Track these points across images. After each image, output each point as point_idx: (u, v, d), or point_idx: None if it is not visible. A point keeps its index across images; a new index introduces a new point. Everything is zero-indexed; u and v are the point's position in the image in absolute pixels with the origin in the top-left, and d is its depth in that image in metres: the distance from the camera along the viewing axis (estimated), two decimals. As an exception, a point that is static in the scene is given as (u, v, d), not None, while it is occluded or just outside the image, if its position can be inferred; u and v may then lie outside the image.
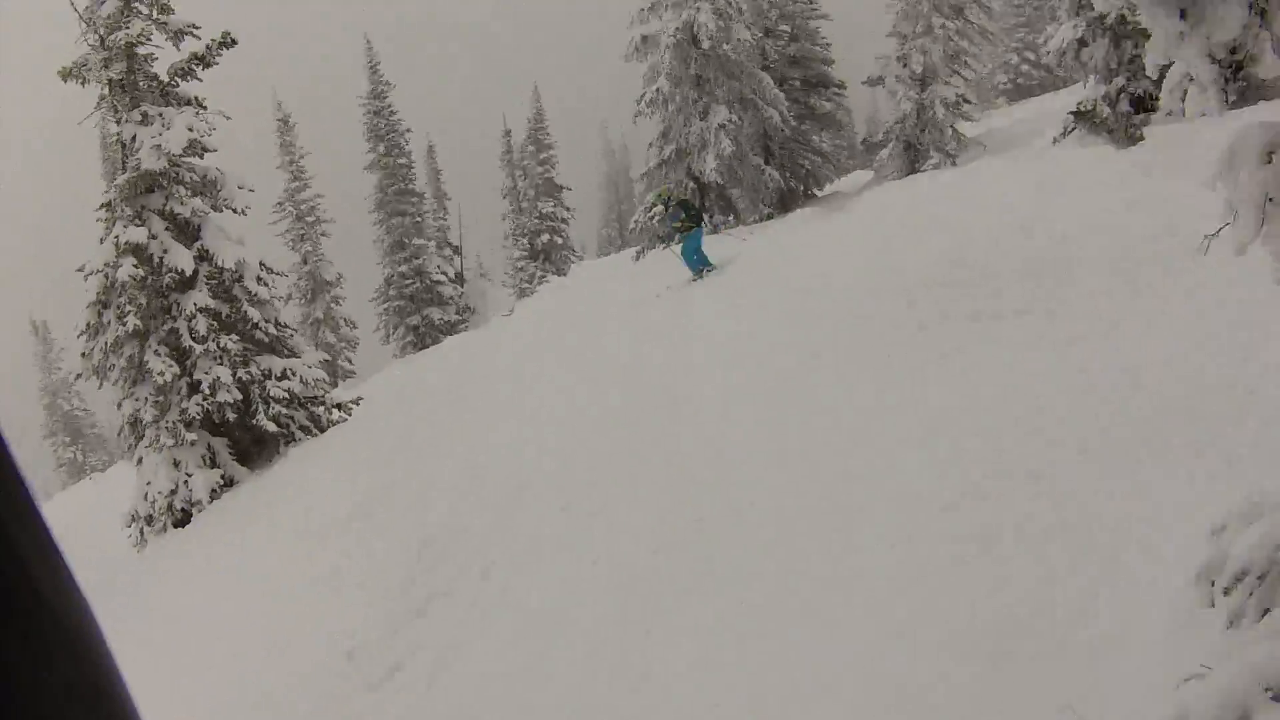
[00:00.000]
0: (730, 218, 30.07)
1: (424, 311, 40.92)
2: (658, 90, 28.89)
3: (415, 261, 40.72)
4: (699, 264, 18.80)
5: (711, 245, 20.15)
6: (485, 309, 43.29)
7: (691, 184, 29.56)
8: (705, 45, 28.00)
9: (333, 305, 42.23)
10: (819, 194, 34.33)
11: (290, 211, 41.88)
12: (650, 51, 29.36)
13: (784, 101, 29.27)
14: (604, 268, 33.79)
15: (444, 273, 41.31)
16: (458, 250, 46.16)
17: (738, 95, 29.55)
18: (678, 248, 19.44)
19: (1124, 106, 19.19)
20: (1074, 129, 19.91)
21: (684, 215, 19.41)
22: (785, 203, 32.54)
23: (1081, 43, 19.79)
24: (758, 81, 28.99)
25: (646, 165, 30.81)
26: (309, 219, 42.01)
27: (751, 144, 31.65)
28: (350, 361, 43.13)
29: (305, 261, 41.60)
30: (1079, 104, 20.26)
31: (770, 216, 29.71)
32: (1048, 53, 21.68)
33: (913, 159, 26.42)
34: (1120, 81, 19.28)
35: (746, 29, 29.09)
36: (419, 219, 41.31)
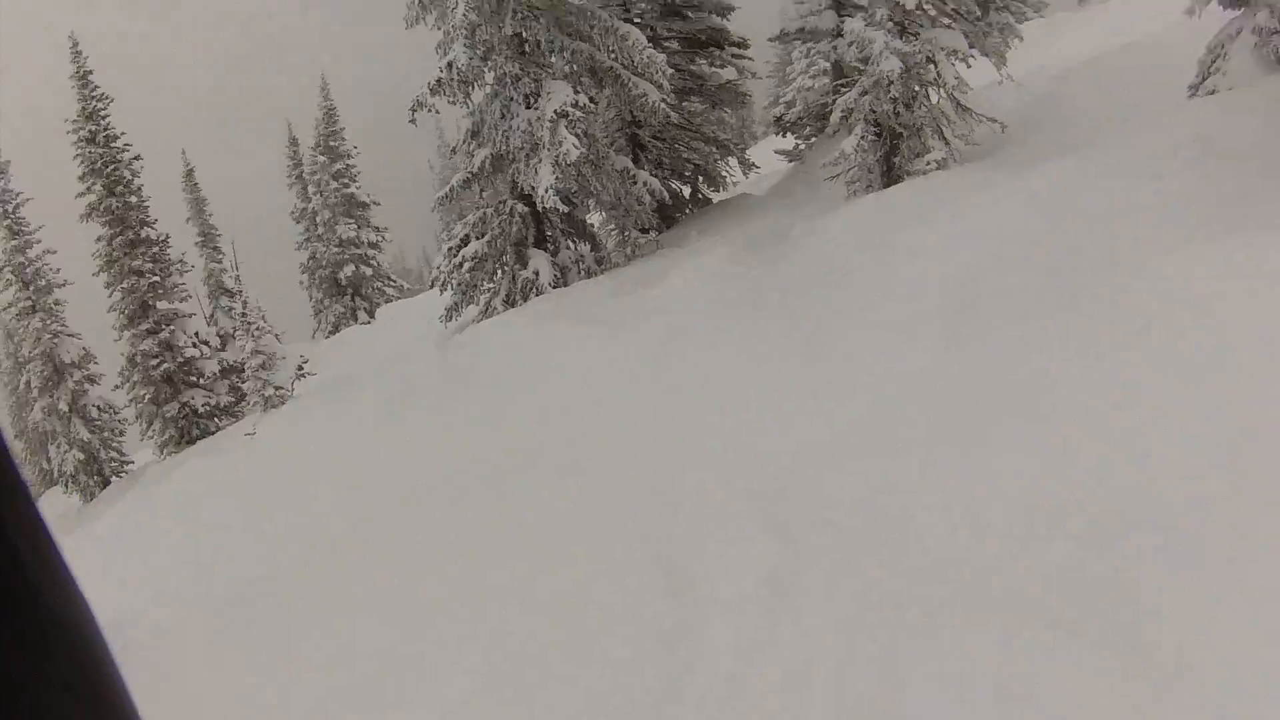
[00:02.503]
0: (585, 250, 19.36)
1: (182, 397, 29.41)
2: (450, 66, 17.98)
3: (161, 333, 29.06)
4: None
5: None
6: (287, 366, 31.91)
7: (521, 208, 18.74)
8: (528, -15, 17.35)
9: (81, 390, 30.85)
10: (713, 198, 23.86)
11: (9, 279, 30.38)
12: (437, 4, 18.43)
13: (663, 68, 18.47)
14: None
15: (204, 342, 29.70)
16: (233, 295, 34.82)
17: (587, 63, 18.79)
18: None
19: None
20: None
21: None
22: (667, 215, 21.93)
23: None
24: (620, 39, 18.14)
25: (448, 184, 19.81)
26: (37, 284, 30.33)
27: (613, 137, 20.80)
28: (120, 452, 32.00)
29: (37, 341, 30.23)
30: None
31: (642, 248, 19.10)
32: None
33: (889, 156, 15.88)
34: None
35: (592, -42, 18.40)
36: (162, 274, 29.52)
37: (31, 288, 30.09)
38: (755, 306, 11.75)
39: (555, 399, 10.93)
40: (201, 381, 29.96)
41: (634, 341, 11.85)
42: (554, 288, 17.98)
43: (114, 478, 31.51)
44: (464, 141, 19.46)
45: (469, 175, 18.95)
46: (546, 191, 17.01)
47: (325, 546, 9.21)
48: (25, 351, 30.90)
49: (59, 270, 30.73)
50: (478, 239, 19.06)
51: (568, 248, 19.00)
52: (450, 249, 19.52)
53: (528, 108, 18.18)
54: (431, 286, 20.08)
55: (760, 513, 6.39)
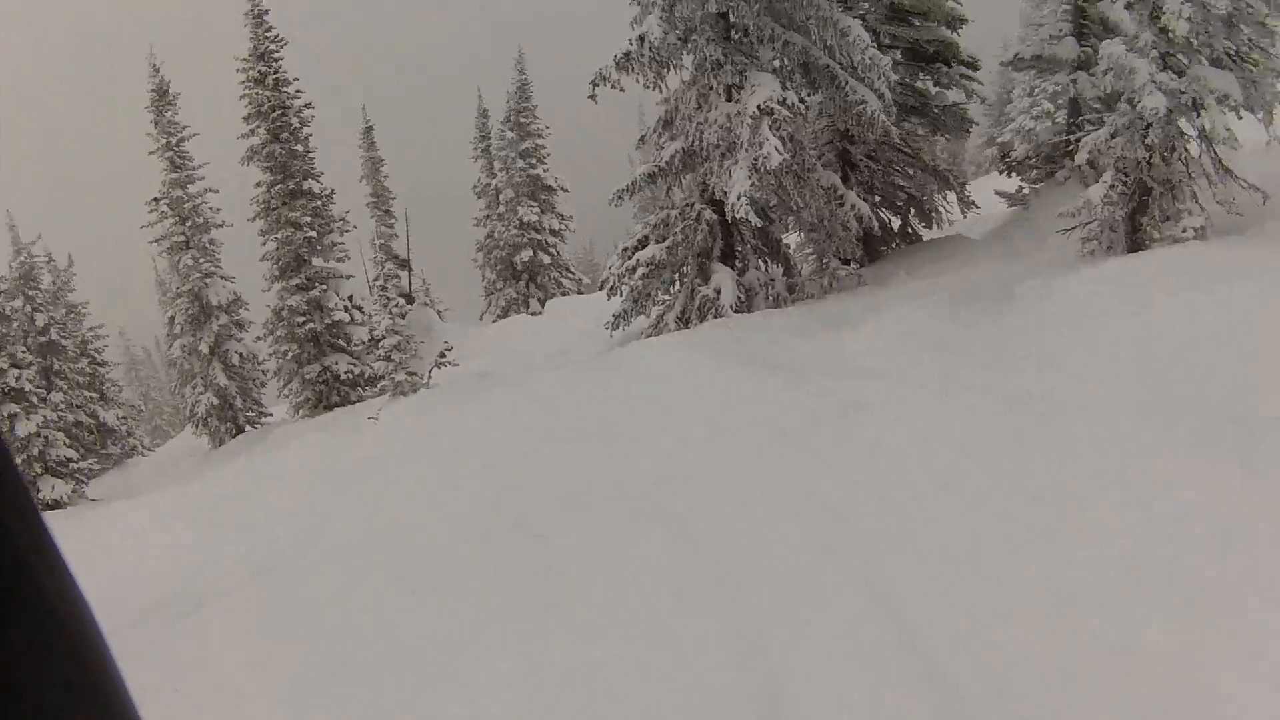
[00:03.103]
0: (776, 273, 16.80)
1: (325, 360, 27.95)
2: (642, 39, 15.54)
3: (312, 291, 27.64)
4: None
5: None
6: (432, 349, 30.24)
7: (709, 215, 16.30)
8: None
9: (226, 334, 29.97)
10: (924, 234, 21.00)
11: (165, 212, 29.51)
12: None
13: (887, 73, 15.71)
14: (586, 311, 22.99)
15: (357, 307, 28.21)
16: (405, 264, 33.33)
17: (800, 58, 16.21)
18: None
19: None
20: None
21: None
22: (872, 247, 19.23)
23: None
24: (840, 34, 15.42)
25: (632, 177, 17.44)
26: (194, 221, 29.54)
27: (820, 150, 18.19)
28: (258, 403, 31.34)
29: (186, 278, 29.42)
30: None
31: (841, 280, 16.39)
32: None
33: (1135, 214, 12.86)
34: None
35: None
36: (321, 230, 28.09)
37: (188, 224, 29.30)
38: (972, 379, 9.04)
39: (699, 456, 8.48)
40: (349, 347, 28.58)
41: (813, 401, 9.24)
42: (735, 311, 15.48)
43: (248, 427, 30.69)
44: (655, 131, 17.12)
45: (655, 170, 16.57)
46: (739, 199, 14.44)
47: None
48: (174, 287, 29.95)
49: (219, 210, 29.90)
50: (657, 243, 16.70)
51: (757, 267, 16.42)
52: (625, 250, 17.21)
53: (728, 100, 15.67)
54: (601, 288, 17.87)
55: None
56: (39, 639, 0.55)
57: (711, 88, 15.74)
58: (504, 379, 15.52)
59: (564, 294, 39.45)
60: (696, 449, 8.66)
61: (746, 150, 14.74)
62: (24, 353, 26.83)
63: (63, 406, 33.19)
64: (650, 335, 16.68)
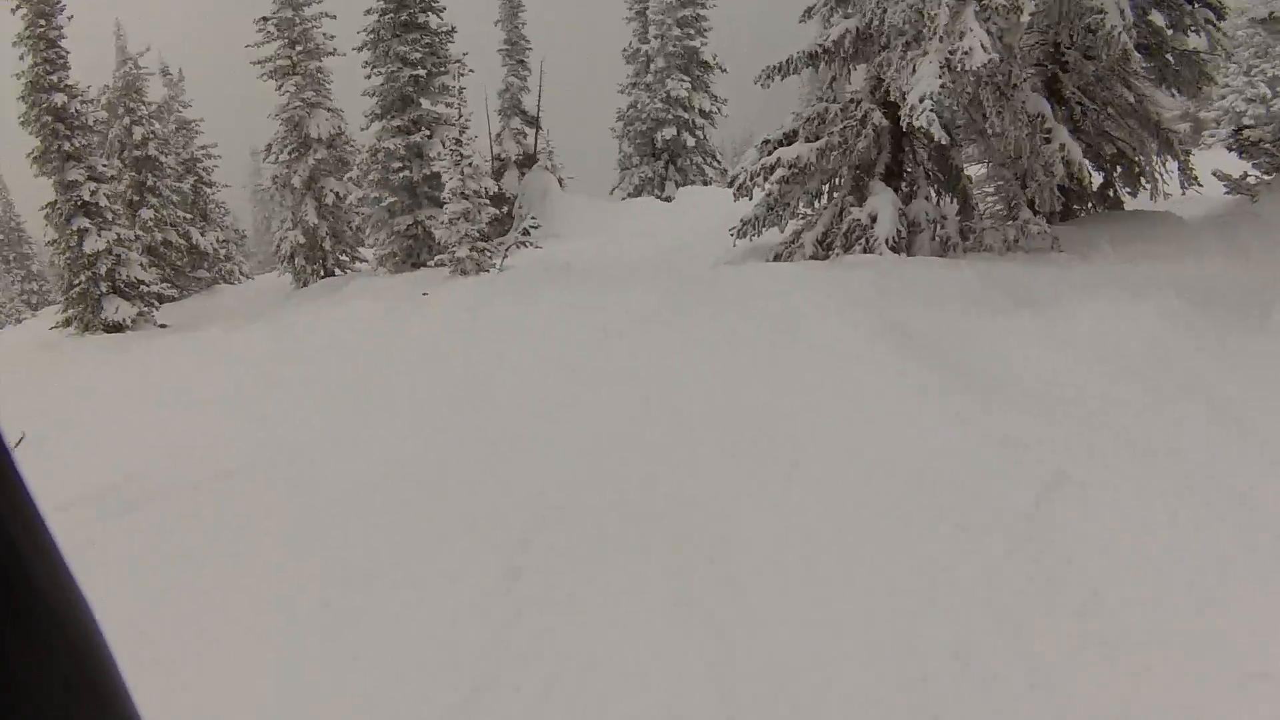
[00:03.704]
0: (949, 209, 13.18)
1: (419, 214, 25.12)
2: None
3: (414, 136, 24.67)
4: None
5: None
6: (549, 218, 27.29)
7: (879, 118, 12.62)
8: None
9: (323, 170, 27.80)
10: (1123, 203, 16.92)
11: (272, 32, 27.28)
12: None
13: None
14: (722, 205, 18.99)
15: (457, 151, 25.05)
16: (533, 122, 30.17)
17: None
18: None
19: None
20: None
21: None
22: (1066, 205, 15.40)
23: None
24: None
25: (789, 54, 13.73)
26: (305, 46, 27.29)
27: (1029, 67, 14.32)
28: (351, 246, 29.51)
29: (286, 105, 27.37)
30: None
31: (1032, 238, 12.64)
32: None
33: None
34: None
35: None
36: (432, 70, 24.97)
37: (297, 49, 27.01)
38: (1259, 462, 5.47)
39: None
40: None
41: (996, 458, 5.63)
42: (891, 248, 12.00)
43: (336, 270, 28.90)
44: (824, 4, 13.44)
45: (818, 49, 12.92)
46: (922, 102, 10.72)
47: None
48: (273, 113, 27.58)
49: (334, 38, 27.51)
50: (807, 141, 13.13)
51: (927, 197, 12.76)
52: (766, 142, 13.66)
53: None
54: (730, 185, 14.42)
55: None
56: (37, 637, 0.54)
57: (905, -45, 12.00)
58: (578, 285, 12.35)
59: (705, 183, 35.85)
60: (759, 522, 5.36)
61: (941, 41, 11.02)
62: (104, 166, 24.87)
63: (151, 224, 31.66)
64: (781, 254, 13.35)
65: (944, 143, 12.04)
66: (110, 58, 32.45)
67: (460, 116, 17.79)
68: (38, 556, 0.56)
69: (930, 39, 11.32)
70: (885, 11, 11.98)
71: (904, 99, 11.45)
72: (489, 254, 17.26)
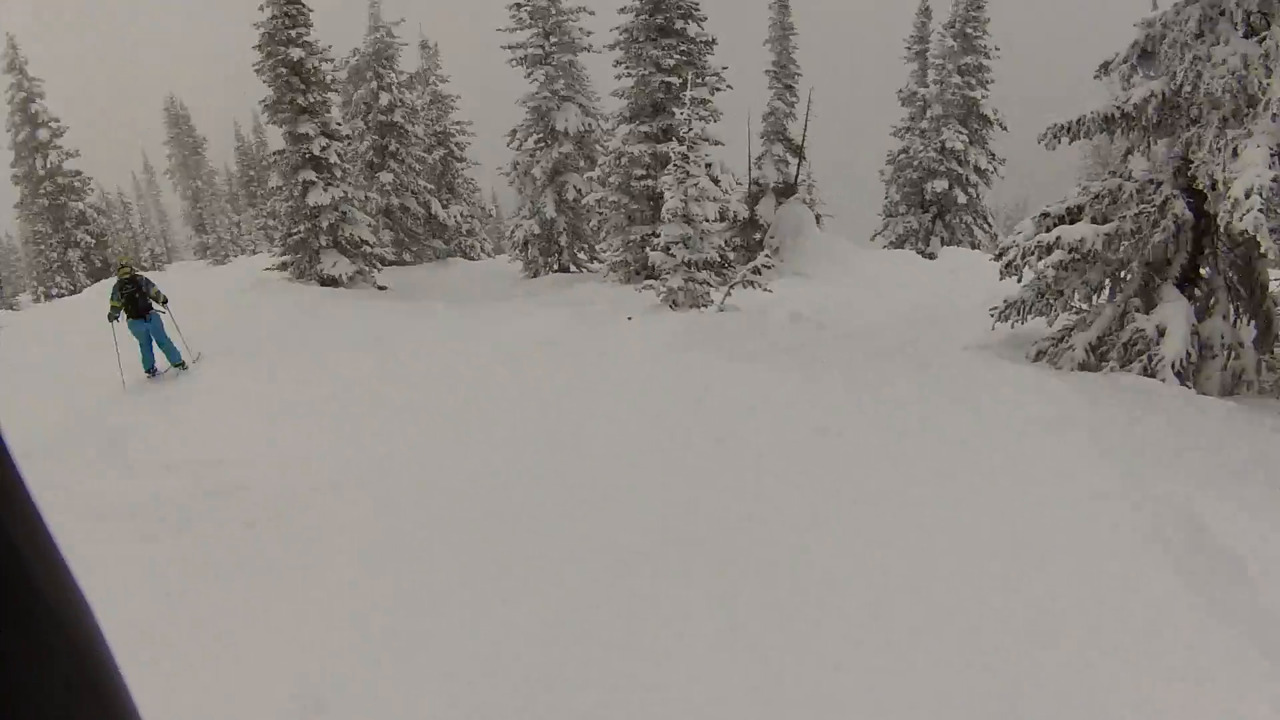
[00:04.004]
0: (1247, 334, 10.76)
1: (657, 226, 24.07)
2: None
3: (660, 145, 23.59)
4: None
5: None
6: (799, 254, 25.68)
7: (1181, 209, 10.33)
8: None
9: (569, 166, 27.73)
10: None
11: (526, 19, 27.40)
12: None
13: None
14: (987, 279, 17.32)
15: (714, 179, 23.54)
16: (797, 151, 28.57)
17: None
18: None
19: None
20: None
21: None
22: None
23: None
24: None
25: (1081, 113, 11.54)
26: (561, 39, 27.36)
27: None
28: (591, 248, 29.63)
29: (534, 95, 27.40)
30: None
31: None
32: None
33: None
34: None
35: None
36: (684, 80, 23.70)
37: (551, 39, 27.28)
38: None
39: None
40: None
41: None
42: (1177, 372, 9.76)
43: (571, 266, 29.45)
44: (1124, 61, 11.18)
45: (1114, 112, 10.72)
46: (1248, 198, 8.49)
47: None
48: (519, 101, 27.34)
49: (590, 34, 27.48)
50: (1094, 222, 11.03)
51: (1225, 316, 10.40)
52: (1044, 216, 11.58)
53: (1247, 35, 9.63)
54: (998, 259, 12.31)
55: None
56: (37, 637, 0.53)
57: (1222, 10, 9.74)
58: (787, 353, 10.87)
59: (973, 245, 33.90)
60: None
61: (1274, 119, 8.80)
62: (339, 125, 25.16)
63: (389, 188, 32.19)
64: (1045, 351, 11.29)
65: (1255, 255, 9.71)
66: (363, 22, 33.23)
67: (689, 130, 16.16)
68: (38, 557, 0.55)
69: (1259, 116, 9.08)
70: (1200, 76, 9.75)
71: (1215, 188, 9.24)
72: (709, 286, 15.67)
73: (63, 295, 36.57)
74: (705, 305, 15.59)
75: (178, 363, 13.92)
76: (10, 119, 39.59)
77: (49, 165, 39.49)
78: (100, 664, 0.58)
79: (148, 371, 13.70)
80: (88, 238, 40.63)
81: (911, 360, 11.02)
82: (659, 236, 15.26)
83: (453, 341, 13.87)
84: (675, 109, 23.62)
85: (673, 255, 15.36)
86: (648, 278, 23.08)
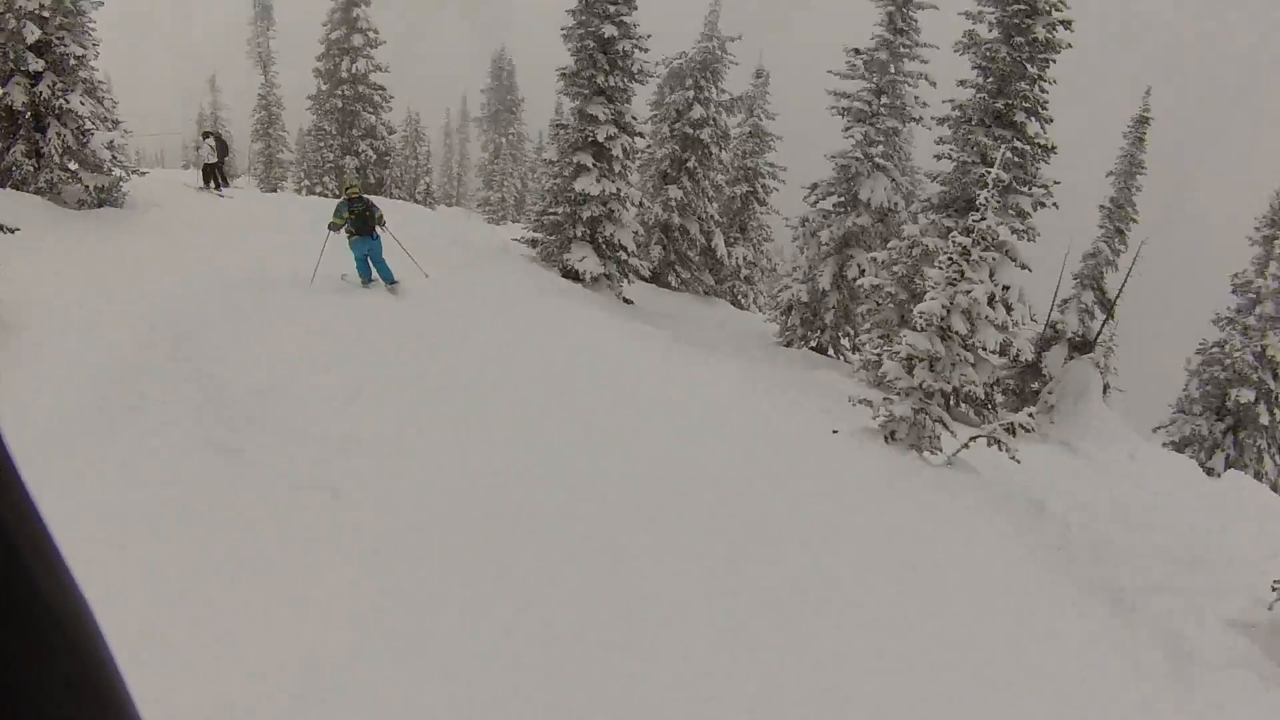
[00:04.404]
0: None
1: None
2: None
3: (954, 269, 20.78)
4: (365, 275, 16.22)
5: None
6: (1072, 422, 22.54)
7: None
8: None
9: (861, 240, 25.71)
10: None
11: (860, 70, 25.42)
12: None
13: None
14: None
15: (1006, 305, 20.51)
16: (1107, 306, 24.98)
17: None
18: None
19: None
20: None
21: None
22: None
23: None
24: None
25: None
26: (890, 100, 25.31)
27: None
28: (850, 344, 27.26)
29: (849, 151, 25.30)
30: None
31: None
32: None
33: None
34: None
35: None
36: (1001, 189, 20.97)
37: (882, 98, 25.23)
38: None
39: None
40: (980, 354, 21.76)
41: None
42: None
43: (829, 350, 27.69)
44: None
45: None
46: None
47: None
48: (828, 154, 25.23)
49: (925, 105, 25.20)
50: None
51: None
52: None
53: None
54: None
55: None
56: (37, 637, 0.53)
57: None
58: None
59: (1257, 474, 28.37)
60: None
61: None
62: (635, 119, 24.18)
63: (674, 204, 31.25)
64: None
65: None
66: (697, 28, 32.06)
67: (983, 220, 13.26)
68: (38, 556, 0.55)
69: None
70: None
71: None
72: (942, 426, 12.78)
73: (324, 196, 36.79)
74: (932, 451, 12.84)
75: (391, 282, 15.77)
76: (330, 15, 40.85)
77: (354, 71, 40.36)
78: (100, 663, 0.57)
79: (365, 282, 15.78)
80: (371, 151, 41.14)
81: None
82: (902, 342, 12.38)
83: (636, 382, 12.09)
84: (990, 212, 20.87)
85: (911, 375, 12.57)
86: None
